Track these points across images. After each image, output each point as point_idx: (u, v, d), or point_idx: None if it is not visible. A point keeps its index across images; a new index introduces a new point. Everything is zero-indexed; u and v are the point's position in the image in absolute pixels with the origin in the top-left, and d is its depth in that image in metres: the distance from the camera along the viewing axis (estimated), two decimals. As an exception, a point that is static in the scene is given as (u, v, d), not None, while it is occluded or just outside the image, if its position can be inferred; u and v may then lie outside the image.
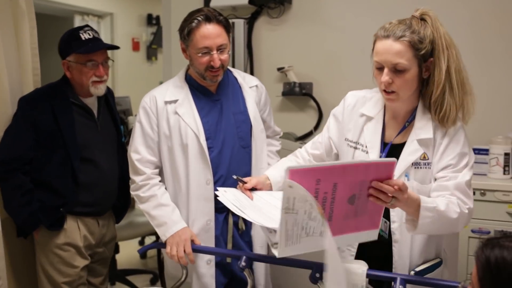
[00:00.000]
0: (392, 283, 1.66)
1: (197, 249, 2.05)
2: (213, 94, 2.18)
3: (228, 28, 2.09)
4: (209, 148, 2.11)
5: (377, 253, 1.78)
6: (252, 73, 3.23)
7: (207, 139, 2.10)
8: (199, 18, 2.03)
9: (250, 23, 3.19)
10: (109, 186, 2.38)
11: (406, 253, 1.76)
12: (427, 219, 1.55)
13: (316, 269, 1.80)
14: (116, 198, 2.46)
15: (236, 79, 2.26)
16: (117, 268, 3.75)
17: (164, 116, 2.13)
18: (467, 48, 2.75)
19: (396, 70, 1.62)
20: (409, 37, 1.61)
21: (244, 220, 2.17)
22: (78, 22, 6.11)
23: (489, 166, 2.55)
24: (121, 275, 3.71)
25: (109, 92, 2.49)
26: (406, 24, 1.64)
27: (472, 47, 2.76)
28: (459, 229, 1.70)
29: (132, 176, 2.17)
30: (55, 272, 2.28)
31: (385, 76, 1.63)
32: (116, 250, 3.66)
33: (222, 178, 2.13)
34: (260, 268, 2.23)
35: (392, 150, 1.74)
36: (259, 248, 2.22)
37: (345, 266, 1.75)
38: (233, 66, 3.06)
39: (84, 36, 2.25)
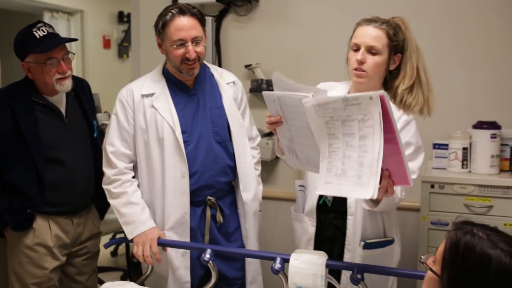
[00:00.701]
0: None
1: (162, 243, 2.08)
2: (190, 88, 2.21)
3: (203, 21, 2.13)
4: (185, 142, 2.14)
5: (335, 223, 2.05)
6: (220, 70, 3.26)
7: (183, 133, 2.14)
8: (173, 11, 2.07)
9: (218, 20, 3.22)
10: (80, 185, 2.34)
11: (359, 226, 2.00)
12: (385, 202, 1.81)
13: (279, 261, 1.86)
14: (97, 196, 2.42)
15: (213, 75, 2.29)
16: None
17: (141, 110, 2.15)
18: (427, 46, 2.85)
19: (371, 52, 1.90)
20: (387, 28, 1.92)
21: (222, 212, 2.23)
22: (47, 19, 6.04)
23: (448, 160, 2.63)
24: (91, 273, 3.71)
25: (82, 85, 2.44)
26: (385, 20, 1.96)
27: (432, 45, 2.85)
28: (392, 210, 2.04)
29: (105, 169, 2.18)
30: (25, 273, 2.26)
31: (360, 55, 1.91)
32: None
33: (198, 172, 2.17)
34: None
35: None
36: (255, 240, 2.29)
37: (305, 257, 1.81)
38: (201, 64, 3.08)
39: (39, 33, 2.18)
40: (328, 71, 2.99)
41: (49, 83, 2.21)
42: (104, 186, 2.19)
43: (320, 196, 2.08)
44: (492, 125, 2.57)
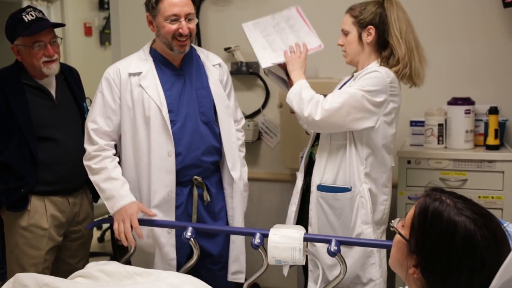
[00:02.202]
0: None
1: (143, 223, 2.12)
2: (177, 68, 2.24)
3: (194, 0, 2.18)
4: (171, 121, 2.17)
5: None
6: (200, 54, 3.27)
7: (169, 112, 2.16)
8: None
9: (197, 4, 3.23)
10: (73, 163, 2.38)
11: (321, 169, 2.23)
12: (295, 89, 2.19)
13: (258, 236, 1.91)
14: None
15: (199, 56, 2.32)
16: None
17: (128, 88, 2.16)
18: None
19: (345, 34, 2.24)
20: (351, 11, 2.22)
21: (209, 191, 2.27)
22: (26, 7, 5.97)
23: (425, 136, 2.69)
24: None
25: (71, 72, 2.52)
26: (357, 4, 2.24)
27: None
28: (304, 110, 2.14)
29: (85, 145, 2.20)
30: (21, 254, 2.31)
31: (339, 41, 2.27)
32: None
33: (184, 151, 2.20)
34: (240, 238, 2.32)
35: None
36: (241, 220, 2.34)
37: (284, 231, 1.87)
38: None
39: (27, 17, 2.25)
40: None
41: (36, 65, 2.28)
42: (85, 162, 2.22)
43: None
44: (466, 101, 2.63)
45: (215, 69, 2.34)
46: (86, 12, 6.83)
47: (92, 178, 2.20)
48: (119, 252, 3.07)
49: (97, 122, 2.18)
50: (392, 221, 1.26)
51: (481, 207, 1.16)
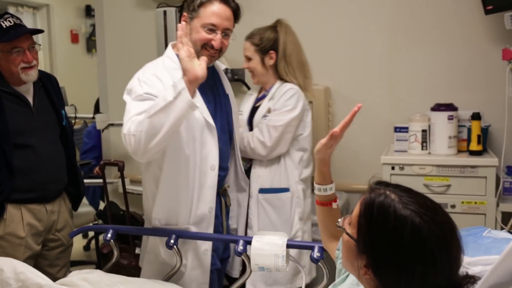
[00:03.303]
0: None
1: (122, 230, 2.08)
2: (207, 78, 2.12)
3: (237, 17, 2.08)
4: None
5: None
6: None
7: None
8: None
9: (182, 11, 3.23)
10: (50, 170, 2.36)
11: (259, 176, 2.46)
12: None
13: (242, 243, 1.91)
14: (69, 184, 2.46)
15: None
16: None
17: None
18: (385, 34, 2.93)
19: (248, 60, 2.52)
20: (251, 40, 2.51)
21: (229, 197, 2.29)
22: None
23: (409, 142, 2.71)
24: (63, 266, 3.70)
25: (50, 79, 2.50)
26: (256, 31, 2.53)
27: (390, 33, 2.92)
28: (249, 153, 2.45)
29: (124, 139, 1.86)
30: None
31: (244, 64, 2.56)
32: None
33: (223, 163, 2.12)
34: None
35: (254, 110, 2.56)
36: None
37: (266, 238, 1.87)
38: (166, 55, 3.09)
39: (5, 24, 2.24)
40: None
41: (14, 72, 2.26)
42: (131, 149, 1.85)
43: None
44: (449, 107, 2.65)
45: (224, 75, 2.26)
46: (73, 19, 6.81)
47: (148, 121, 1.80)
48: (104, 260, 3.04)
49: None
50: (339, 220, 1.21)
51: (426, 199, 1.12)
